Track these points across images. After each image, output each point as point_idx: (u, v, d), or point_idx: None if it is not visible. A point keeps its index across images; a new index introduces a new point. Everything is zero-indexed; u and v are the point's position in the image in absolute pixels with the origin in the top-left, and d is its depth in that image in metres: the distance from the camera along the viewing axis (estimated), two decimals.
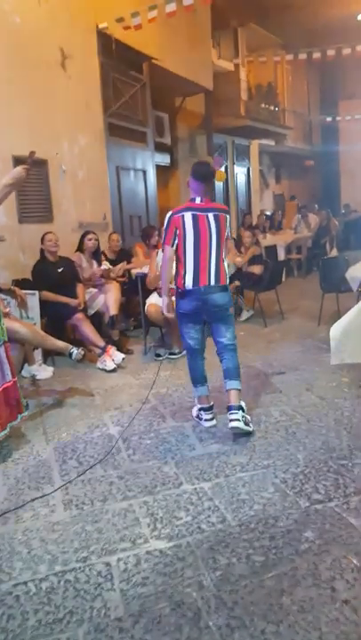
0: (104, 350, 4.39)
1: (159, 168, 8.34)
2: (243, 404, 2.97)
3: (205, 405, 3.08)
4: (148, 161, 7.55)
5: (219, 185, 11.20)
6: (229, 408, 2.92)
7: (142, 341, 4.95)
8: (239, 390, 2.97)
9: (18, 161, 4.74)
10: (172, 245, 2.92)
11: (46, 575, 1.92)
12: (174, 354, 4.64)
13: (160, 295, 4.63)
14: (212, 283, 2.89)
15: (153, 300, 4.69)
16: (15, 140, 4.91)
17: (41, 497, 2.42)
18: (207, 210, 2.93)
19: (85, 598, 1.79)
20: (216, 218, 2.93)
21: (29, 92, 5.16)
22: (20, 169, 2.59)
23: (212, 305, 2.93)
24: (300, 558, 1.92)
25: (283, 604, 1.71)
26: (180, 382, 3.94)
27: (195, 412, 3.17)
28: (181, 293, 2.94)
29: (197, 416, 3.12)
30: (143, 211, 7.41)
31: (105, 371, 4.32)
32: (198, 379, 3.09)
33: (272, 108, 13.16)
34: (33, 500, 2.40)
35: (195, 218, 2.89)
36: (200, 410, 3.10)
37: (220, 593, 1.78)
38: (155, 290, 4.77)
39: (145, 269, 4.99)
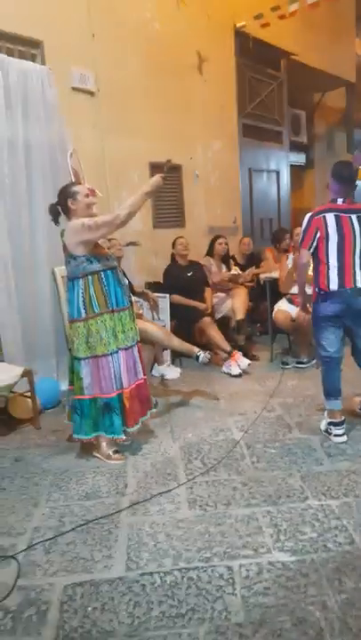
0: (230, 355, 4.47)
1: (294, 168, 8.25)
2: None
3: (337, 420, 3.00)
4: (282, 161, 7.52)
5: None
6: None
7: (269, 348, 4.95)
8: None
9: (154, 167, 5.06)
10: (310, 249, 2.90)
11: (171, 569, 2.04)
12: (302, 363, 4.56)
13: (290, 302, 4.61)
14: (359, 285, 2.84)
15: (282, 306, 4.67)
16: (152, 146, 5.23)
17: (167, 492, 2.57)
18: (350, 211, 2.89)
19: (207, 598, 1.88)
20: (360, 219, 2.87)
21: (166, 98, 5.45)
22: (158, 178, 2.78)
23: (357, 309, 2.85)
24: None
25: None
26: (308, 393, 3.87)
27: (323, 425, 3.11)
28: (324, 295, 2.89)
29: (326, 430, 3.05)
30: (275, 213, 7.40)
31: (230, 375, 4.40)
32: (333, 391, 3.01)
33: None
34: (160, 494, 2.56)
35: (338, 219, 2.86)
36: (330, 424, 3.03)
37: (346, 617, 1.74)
38: (284, 295, 4.74)
39: (274, 274, 4.98)
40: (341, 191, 2.91)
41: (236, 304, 4.96)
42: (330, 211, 2.89)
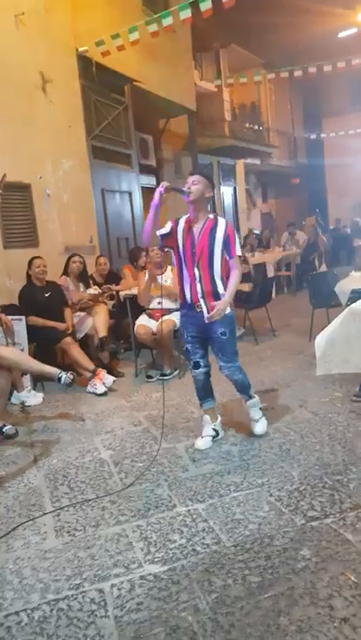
0: (94, 374, 4.40)
1: (145, 189, 8.49)
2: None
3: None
4: (133, 183, 7.69)
5: None
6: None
7: (133, 363, 4.97)
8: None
9: (2, 186, 4.82)
10: None
11: (38, 604, 1.90)
12: (165, 375, 4.66)
13: (150, 317, 4.68)
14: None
15: (142, 320, 4.73)
16: None
17: (28, 521, 2.41)
18: None
19: (79, 626, 1.78)
20: None
21: (10, 116, 5.28)
22: None
23: None
24: (296, 577, 1.93)
25: (280, 625, 1.71)
26: (173, 403, 3.96)
27: (258, 411, 3.28)
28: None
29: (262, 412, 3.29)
30: (130, 232, 7.52)
31: (95, 394, 4.33)
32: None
33: (256, 127, 13.51)
34: (21, 524, 2.39)
35: None
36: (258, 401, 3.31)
37: (217, 616, 1.78)
38: (143, 310, 4.81)
39: (134, 291, 5.04)
40: None
41: (98, 322, 4.91)
42: None
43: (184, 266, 2.95)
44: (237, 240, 2.94)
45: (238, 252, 2.93)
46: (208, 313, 2.93)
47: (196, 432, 3.28)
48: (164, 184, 2.84)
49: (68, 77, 6.21)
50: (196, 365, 3.13)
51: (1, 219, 5.14)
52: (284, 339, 5.84)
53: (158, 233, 2.96)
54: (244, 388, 3.15)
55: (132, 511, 2.46)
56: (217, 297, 2.94)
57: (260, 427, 3.19)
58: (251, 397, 3.19)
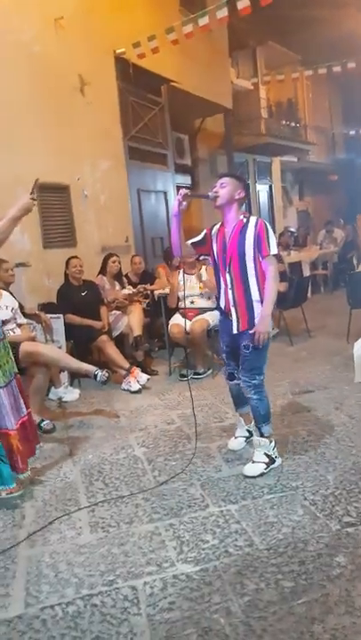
0: (129, 372, 4.44)
1: (180, 189, 8.51)
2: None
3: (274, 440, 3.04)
4: (168, 182, 7.71)
5: None
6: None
7: (167, 362, 4.99)
8: None
9: (41, 188, 4.92)
10: None
11: (73, 599, 1.94)
12: (199, 374, 4.66)
13: (183, 316, 4.69)
14: None
15: (176, 320, 4.74)
16: (38, 167, 5.09)
17: (64, 515, 2.45)
18: None
19: (112, 623, 1.80)
20: None
21: (50, 119, 5.37)
22: (26, 200, 2.65)
23: None
24: (331, 584, 1.89)
25: (314, 633, 1.68)
26: (206, 402, 3.95)
27: (264, 456, 2.83)
28: None
29: (271, 458, 2.83)
30: (165, 232, 7.54)
31: (130, 392, 4.36)
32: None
33: (293, 124, 13.29)
34: (57, 518, 2.43)
35: None
36: (274, 445, 2.92)
37: (249, 620, 1.77)
38: (177, 310, 4.82)
39: (168, 290, 5.06)
40: None
41: (133, 321, 4.95)
42: None
43: (219, 272, 2.85)
44: (271, 237, 2.70)
45: (272, 249, 2.68)
46: (238, 324, 2.78)
47: (230, 432, 3.27)
48: (183, 192, 2.72)
49: (106, 79, 6.27)
50: (230, 377, 3.02)
51: (40, 220, 5.24)
52: (320, 340, 5.74)
53: (189, 242, 2.87)
54: (257, 416, 2.83)
55: (165, 509, 2.47)
56: (250, 306, 2.75)
57: (251, 468, 2.76)
58: (262, 435, 2.82)
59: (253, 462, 2.79)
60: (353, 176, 16.52)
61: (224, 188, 2.76)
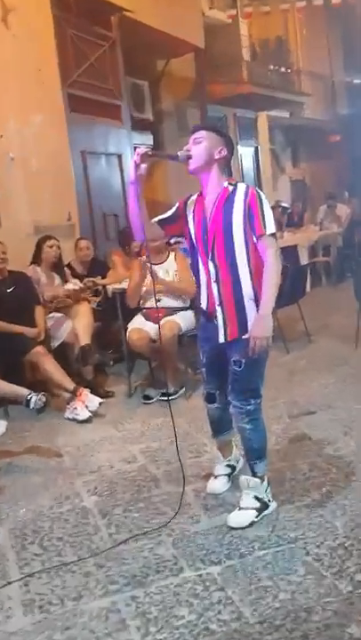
0: (74, 394, 4.39)
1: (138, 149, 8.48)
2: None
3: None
4: (123, 142, 7.69)
5: None
6: None
7: (126, 380, 4.95)
8: None
9: None
10: None
11: None
12: (169, 394, 4.62)
13: (147, 318, 4.66)
14: None
15: (137, 324, 4.71)
16: None
17: None
18: None
19: None
20: None
21: None
22: None
23: None
24: None
25: None
26: (178, 432, 3.85)
27: (254, 500, 2.83)
28: None
29: (264, 503, 2.81)
30: (121, 207, 7.50)
31: (76, 421, 4.32)
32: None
33: (283, 69, 13.49)
34: None
35: None
36: (268, 486, 2.91)
37: None
38: (138, 310, 4.79)
39: (125, 284, 5.02)
40: None
41: (79, 326, 4.90)
42: None
43: (199, 260, 2.78)
44: (266, 209, 2.63)
45: (269, 227, 2.61)
46: (225, 330, 2.73)
47: (209, 471, 3.25)
48: (141, 150, 2.63)
49: (38, 4, 6.18)
50: (210, 398, 2.99)
51: None
52: (323, 345, 5.81)
53: (156, 220, 2.82)
54: (250, 450, 2.82)
55: (125, 578, 2.44)
56: (241, 306, 2.70)
57: (238, 516, 2.75)
58: (254, 474, 2.81)
59: (241, 509, 2.77)
60: (359, 136, 16.85)
61: (199, 144, 2.69)
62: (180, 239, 2.96)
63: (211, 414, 3.07)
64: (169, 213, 2.86)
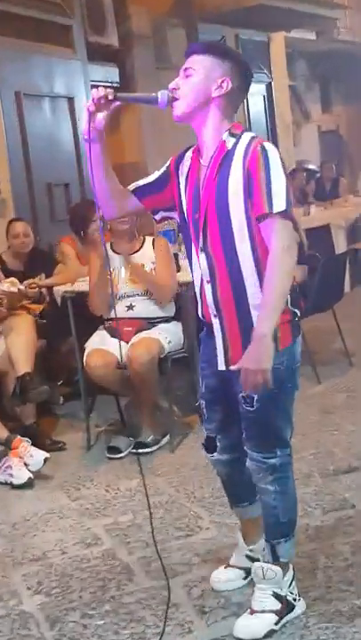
0: (8, 447, 4.40)
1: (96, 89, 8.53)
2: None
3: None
4: (77, 80, 7.74)
5: None
6: None
7: (82, 424, 4.97)
8: None
9: None
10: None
11: None
12: (145, 445, 4.63)
13: (112, 334, 4.67)
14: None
15: (97, 342, 4.72)
16: None
17: None
18: None
19: None
20: None
21: None
22: None
23: None
24: None
25: None
26: (160, 500, 3.95)
27: (275, 599, 2.85)
28: (299, 323, 2.81)
29: (287, 602, 2.84)
30: (73, 173, 7.54)
31: (11, 486, 4.33)
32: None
33: None
34: None
35: None
36: (293, 579, 2.92)
37: None
38: (101, 322, 4.81)
39: (82, 284, 5.03)
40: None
41: (15, 346, 4.90)
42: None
43: (192, 248, 2.78)
44: (274, 175, 2.57)
45: (277, 204, 2.53)
46: (226, 353, 2.73)
47: (205, 556, 3.28)
48: (97, 94, 2.58)
49: None
50: (210, 445, 2.97)
51: None
52: None
53: (132, 187, 2.81)
54: (274, 524, 2.84)
55: None
56: (245, 316, 2.68)
57: (251, 623, 2.76)
58: (277, 558, 2.82)
59: (254, 612, 2.77)
60: None
61: (189, 78, 2.66)
62: (169, 214, 2.92)
63: (218, 472, 3.09)
64: (152, 177, 2.85)
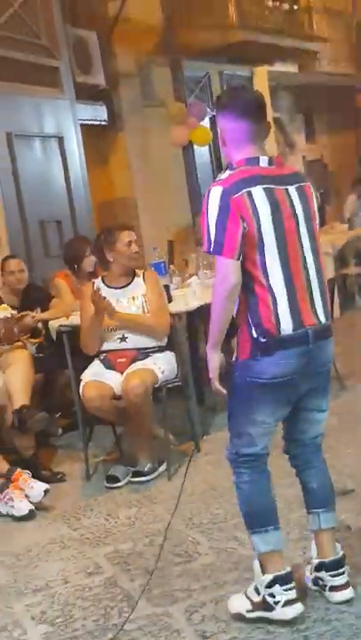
0: (8, 479, 4.40)
1: (88, 129, 8.58)
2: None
3: (282, 572, 2.92)
4: (65, 119, 7.78)
5: (200, 151, 11.38)
6: (327, 567, 3.02)
7: (81, 455, 4.97)
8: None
9: None
10: (238, 258, 2.81)
11: None
12: (142, 474, 4.64)
13: (108, 366, 4.68)
14: (323, 319, 2.98)
15: (93, 374, 4.73)
16: None
17: None
18: (285, 178, 2.94)
19: None
20: (301, 192, 2.95)
21: None
22: None
23: (320, 363, 3.05)
24: None
25: None
26: (158, 527, 3.94)
27: (255, 592, 2.96)
28: (268, 345, 2.89)
29: (263, 600, 2.91)
30: (65, 211, 7.57)
31: (13, 518, 4.33)
32: (268, 514, 3.00)
33: (287, 6, 13.64)
34: None
35: (271, 195, 2.84)
36: (272, 582, 2.91)
37: None
38: (95, 356, 4.84)
39: (77, 319, 5.05)
40: (258, 137, 2.96)
41: (13, 380, 4.90)
42: (256, 181, 2.83)
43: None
44: (208, 218, 2.81)
45: (205, 245, 2.85)
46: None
47: (203, 581, 3.28)
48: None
49: None
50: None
51: None
52: None
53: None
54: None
55: None
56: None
57: (233, 598, 3.02)
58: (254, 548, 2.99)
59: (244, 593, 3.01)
60: None
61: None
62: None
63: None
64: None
